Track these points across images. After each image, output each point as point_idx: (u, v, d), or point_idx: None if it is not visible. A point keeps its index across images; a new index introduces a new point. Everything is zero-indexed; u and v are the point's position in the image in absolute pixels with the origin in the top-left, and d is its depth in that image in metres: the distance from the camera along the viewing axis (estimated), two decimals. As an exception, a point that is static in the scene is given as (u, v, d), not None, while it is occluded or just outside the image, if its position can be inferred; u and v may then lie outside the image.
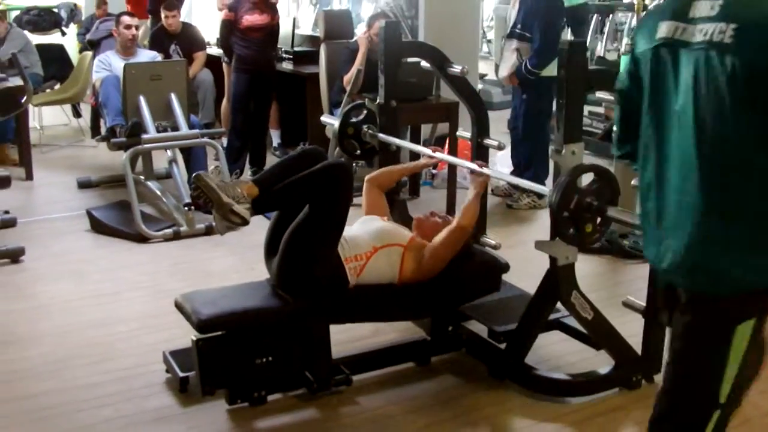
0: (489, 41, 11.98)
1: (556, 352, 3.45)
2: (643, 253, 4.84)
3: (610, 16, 12.16)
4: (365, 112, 3.85)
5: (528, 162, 5.73)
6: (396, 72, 3.73)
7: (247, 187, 2.95)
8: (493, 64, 11.32)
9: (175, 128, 5.44)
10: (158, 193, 5.49)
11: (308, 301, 3.00)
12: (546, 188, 3.03)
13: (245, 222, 2.91)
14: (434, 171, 6.33)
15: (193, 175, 2.98)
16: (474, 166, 3.35)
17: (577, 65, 2.82)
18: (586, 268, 4.26)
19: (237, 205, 2.89)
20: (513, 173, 5.59)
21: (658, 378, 3.22)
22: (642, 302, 3.21)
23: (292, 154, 3.17)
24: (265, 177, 3.05)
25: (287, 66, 7.09)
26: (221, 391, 3.01)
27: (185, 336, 3.05)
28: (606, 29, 12.31)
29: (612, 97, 3.00)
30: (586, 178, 2.86)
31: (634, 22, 6.44)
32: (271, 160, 6.64)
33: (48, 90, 7.72)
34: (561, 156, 2.88)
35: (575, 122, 2.89)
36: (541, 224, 5.50)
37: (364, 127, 3.85)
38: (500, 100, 9.04)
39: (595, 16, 11.97)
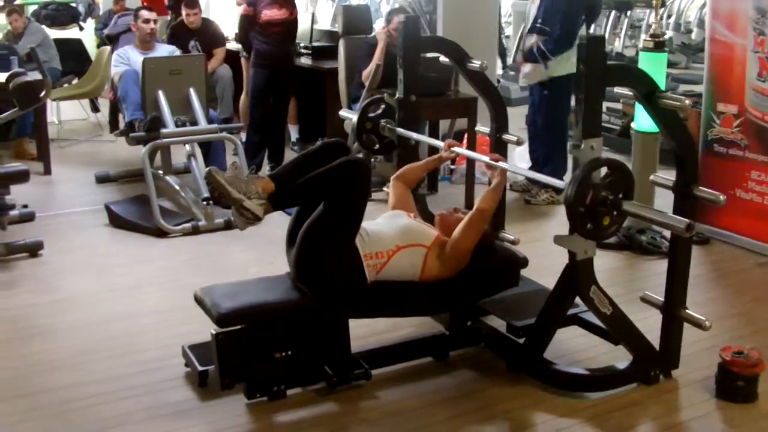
0: (507, 37, 11.97)
1: (574, 347, 3.47)
2: (660, 249, 4.86)
3: (628, 12, 12.13)
4: (383, 106, 3.86)
5: (546, 158, 5.74)
6: (415, 67, 3.73)
7: (263, 182, 2.95)
8: (511, 59, 11.36)
9: (194, 123, 5.47)
10: (177, 187, 5.52)
11: (327, 296, 3.02)
12: (563, 183, 3.03)
13: (257, 218, 2.92)
14: (453, 166, 6.34)
15: (206, 170, 3.00)
16: (488, 159, 3.36)
17: (596, 60, 2.82)
18: (604, 264, 4.28)
19: (248, 201, 2.90)
20: (531, 169, 5.58)
21: (676, 373, 3.24)
22: (660, 297, 3.21)
23: (313, 147, 3.17)
24: (283, 172, 3.06)
25: (306, 61, 7.13)
26: (240, 385, 3.03)
27: (204, 330, 3.07)
28: (624, 25, 12.28)
29: (630, 93, 3.04)
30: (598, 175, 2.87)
31: (652, 19, 6.42)
32: (289, 155, 6.66)
33: (66, 85, 7.78)
34: (580, 151, 2.89)
35: (594, 117, 2.89)
36: (560, 220, 5.45)
37: (383, 121, 3.86)
38: (518, 96, 9.03)
39: (612, 12, 11.93)
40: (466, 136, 6.20)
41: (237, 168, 2.99)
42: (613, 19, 12.04)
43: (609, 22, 11.90)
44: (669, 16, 13.17)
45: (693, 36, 13.21)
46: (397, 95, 3.78)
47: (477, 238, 3.17)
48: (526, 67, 5.66)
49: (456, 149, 3.55)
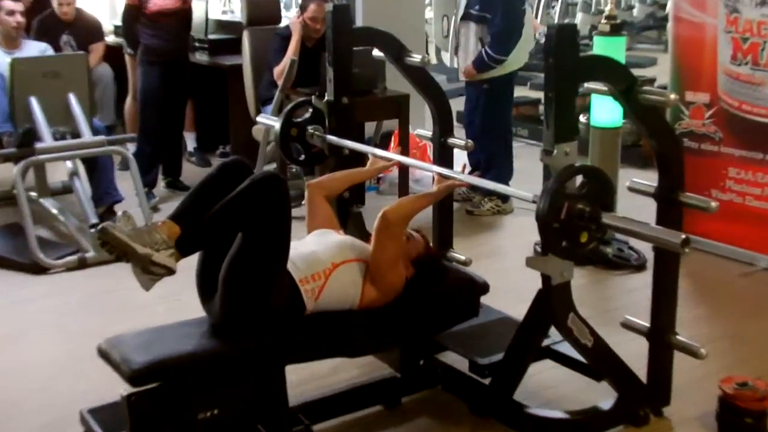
0: (426, 21, 12.00)
1: (546, 383, 3.43)
2: (629, 262, 4.89)
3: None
4: (311, 110, 3.79)
5: (489, 162, 5.75)
6: (348, 63, 3.68)
7: (167, 227, 2.85)
8: (433, 47, 11.40)
9: (76, 134, 5.31)
10: (55, 212, 5.36)
11: (258, 340, 2.92)
12: (524, 191, 2.98)
13: (170, 271, 2.83)
14: (380, 174, 6.27)
15: (98, 228, 2.85)
16: (440, 170, 3.34)
17: (567, 52, 2.78)
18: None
19: (157, 254, 2.79)
20: (471, 175, 5.57)
21: (668, 411, 3.22)
22: (643, 322, 3.19)
23: (210, 172, 3.09)
24: (184, 210, 2.95)
25: (202, 57, 7.02)
26: (158, 455, 2.88)
27: (107, 387, 2.93)
28: (558, 4, 12.51)
29: (605, 88, 3.01)
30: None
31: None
32: (186, 167, 6.53)
33: None
34: (552, 157, 2.85)
35: (567, 118, 2.86)
36: (508, 232, 5.53)
37: (310, 128, 3.79)
38: (447, 88, 9.05)
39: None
40: (394, 139, 6.17)
41: (129, 217, 2.85)
42: (546, -3, 12.22)
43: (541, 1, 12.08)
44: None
45: (635, 13, 13.56)
46: (326, 97, 3.71)
47: (393, 247, 3.12)
48: (466, 61, 5.64)
49: (397, 156, 3.50)
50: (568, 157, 2.84)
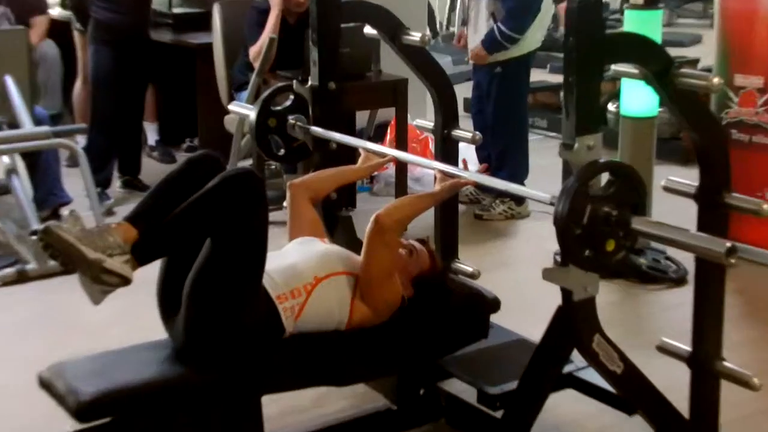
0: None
1: (568, 417, 3.46)
2: (666, 275, 4.90)
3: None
4: (292, 97, 3.79)
5: (501, 157, 5.77)
6: (335, 43, 3.70)
7: (122, 229, 2.85)
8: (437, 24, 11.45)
9: (15, 125, 5.32)
10: (-10, 217, 5.37)
11: (228, 367, 2.94)
12: (540, 192, 2.99)
13: (126, 281, 2.82)
14: (373, 172, 6.29)
15: (40, 228, 2.83)
16: (444, 166, 3.34)
17: (591, 30, 2.78)
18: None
19: (110, 260, 2.78)
20: (480, 172, 5.60)
21: (714, 451, 3.22)
22: (683, 345, 3.19)
23: (176, 168, 3.11)
24: (143, 210, 2.96)
25: (164, 35, 7.01)
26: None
27: (52, 424, 2.96)
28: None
29: (637, 71, 3.02)
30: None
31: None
32: (147, 164, 6.54)
33: None
34: (573, 152, 2.85)
35: (590, 106, 2.86)
36: (523, 239, 5.55)
37: (291, 118, 3.79)
38: (452, 72, 9.07)
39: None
40: (390, 131, 6.19)
41: (77, 217, 2.85)
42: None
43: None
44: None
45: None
46: (310, 82, 3.73)
47: (387, 257, 3.14)
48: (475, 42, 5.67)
49: (394, 152, 3.51)
50: (591, 152, 2.84)
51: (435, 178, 3.40)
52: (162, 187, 3.03)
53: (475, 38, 5.70)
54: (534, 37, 5.66)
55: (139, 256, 2.85)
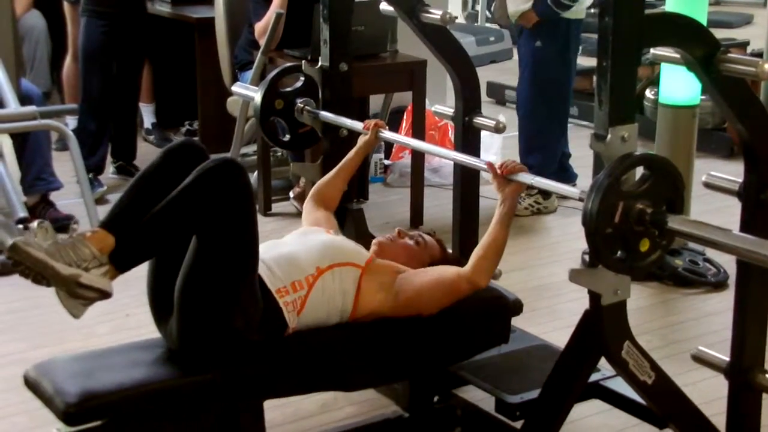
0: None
1: (594, 429, 3.47)
2: (705, 279, 4.90)
3: None
4: (302, 79, 3.82)
5: (531, 141, 5.76)
6: (347, 21, 3.73)
7: (97, 238, 2.84)
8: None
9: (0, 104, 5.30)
10: (-28, 204, 5.37)
11: (226, 369, 2.95)
12: (572, 188, 3.02)
13: (105, 294, 2.82)
14: (387, 161, 6.31)
15: (7, 245, 2.79)
16: (464, 157, 3.41)
17: (629, 9, 2.79)
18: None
19: (86, 274, 2.78)
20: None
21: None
22: (722, 356, 3.20)
23: (153, 161, 3.11)
24: (119, 213, 2.96)
25: (162, 8, 7.02)
26: None
27: (37, 427, 3.03)
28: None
29: (678, 56, 3.02)
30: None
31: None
32: (143, 148, 6.55)
33: None
34: (605, 143, 2.85)
35: (626, 94, 2.86)
36: (549, 237, 5.55)
37: (299, 101, 3.81)
38: (474, 53, 9.09)
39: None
40: (406, 117, 6.20)
41: (47, 228, 2.84)
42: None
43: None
44: None
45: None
46: (320, 63, 3.74)
47: (450, 303, 3.18)
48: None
49: (387, 134, 3.51)
50: (625, 144, 2.85)
51: (496, 184, 3.13)
52: (139, 183, 3.04)
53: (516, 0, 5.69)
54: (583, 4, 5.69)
55: (119, 264, 2.85)
